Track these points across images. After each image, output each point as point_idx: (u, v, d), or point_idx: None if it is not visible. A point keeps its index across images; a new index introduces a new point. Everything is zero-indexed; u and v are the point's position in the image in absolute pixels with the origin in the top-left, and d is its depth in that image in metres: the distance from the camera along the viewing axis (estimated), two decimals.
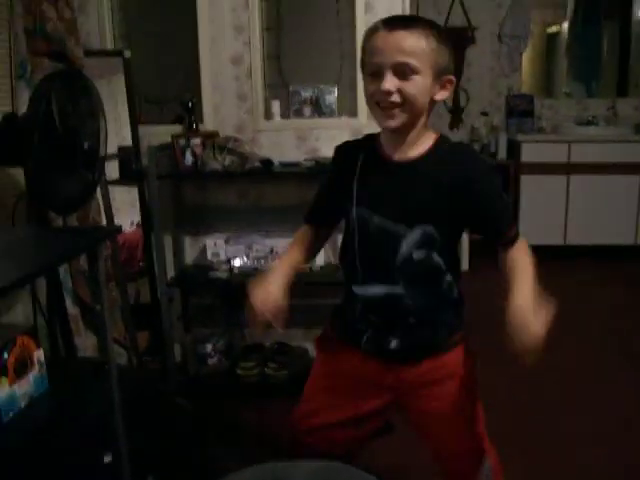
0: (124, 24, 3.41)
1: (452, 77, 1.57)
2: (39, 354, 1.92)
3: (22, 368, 1.85)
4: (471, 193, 1.56)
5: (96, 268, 1.83)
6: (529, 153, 5.45)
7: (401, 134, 1.59)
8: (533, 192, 5.46)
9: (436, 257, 1.61)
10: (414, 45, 1.48)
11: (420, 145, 1.60)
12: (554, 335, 3.72)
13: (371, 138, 1.71)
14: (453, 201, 1.56)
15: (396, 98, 1.50)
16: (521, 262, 1.57)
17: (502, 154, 5.67)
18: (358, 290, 1.70)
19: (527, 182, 5.46)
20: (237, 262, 3.25)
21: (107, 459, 2.03)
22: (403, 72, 1.48)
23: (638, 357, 3.63)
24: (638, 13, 6.09)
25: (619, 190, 5.39)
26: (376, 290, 1.66)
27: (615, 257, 5.42)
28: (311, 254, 1.88)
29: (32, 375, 1.90)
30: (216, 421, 2.97)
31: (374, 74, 1.52)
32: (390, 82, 1.48)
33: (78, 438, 1.87)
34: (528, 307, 1.46)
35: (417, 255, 1.59)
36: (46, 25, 2.62)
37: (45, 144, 2.10)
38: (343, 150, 1.77)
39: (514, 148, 5.59)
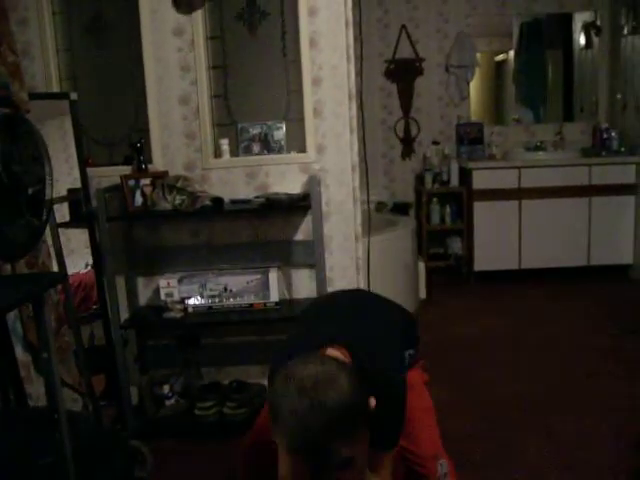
0: (70, 66, 3.40)
1: None
2: None
3: None
4: None
5: (41, 315, 1.80)
6: (480, 180, 5.53)
7: None
8: (486, 218, 5.53)
9: None
10: None
11: None
12: (513, 357, 3.70)
13: None
14: None
15: None
16: None
17: (454, 182, 5.75)
18: None
19: (480, 208, 5.53)
20: (191, 301, 3.23)
21: None
22: None
23: (596, 376, 3.69)
24: (579, 41, 6.27)
25: (570, 213, 5.49)
26: None
27: (569, 278, 5.50)
28: None
29: None
30: (174, 462, 2.93)
31: None
32: None
33: None
34: None
35: None
36: None
37: None
38: None
39: (466, 175, 5.67)
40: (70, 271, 3.34)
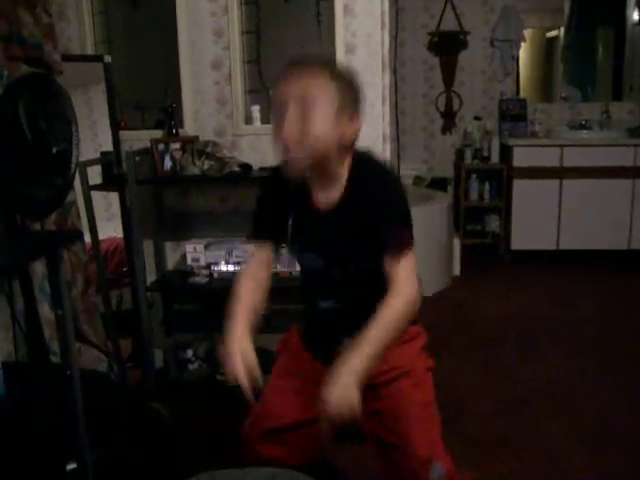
0: (105, 29, 3.41)
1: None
2: None
3: None
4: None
5: (56, 272, 1.81)
6: (521, 157, 5.41)
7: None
8: (526, 196, 5.41)
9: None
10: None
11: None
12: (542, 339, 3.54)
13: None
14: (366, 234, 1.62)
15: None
16: (386, 315, 1.57)
17: (495, 158, 5.65)
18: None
19: (520, 186, 5.42)
20: (217, 267, 3.23)
21: (70, 467, 2.01)
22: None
23: (627, 360, 3.61)
24: (632, 17, 6.06)
25: (612, 194, 5.34)
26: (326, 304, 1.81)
27: (608, 262, 5.37)
28: (267, 283, 1.89)
29: None
30: (192, 426, 2.95)
31: None
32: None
33: (37, 444, 1.85)
34: (344, 376, 1.52)
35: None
36: (22, 30, 2.61)
37: (11, 148, 2.08)
38: (276, 183, 1.74)
39: (507, 152, 5.55)
40: (110, 235, 3.39)
